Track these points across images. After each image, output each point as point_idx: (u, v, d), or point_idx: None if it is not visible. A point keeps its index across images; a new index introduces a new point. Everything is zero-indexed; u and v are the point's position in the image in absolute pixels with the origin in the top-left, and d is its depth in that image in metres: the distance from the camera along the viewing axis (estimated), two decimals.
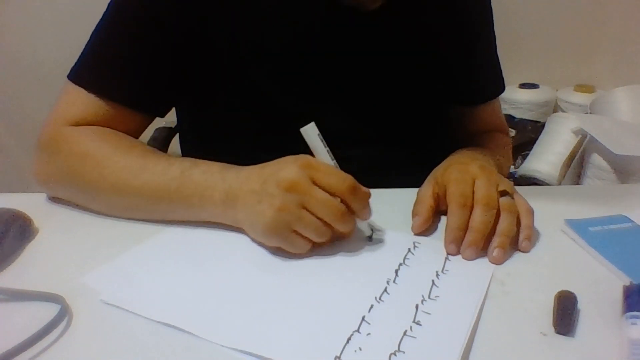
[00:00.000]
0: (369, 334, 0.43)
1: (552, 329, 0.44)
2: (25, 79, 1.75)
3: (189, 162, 0.59)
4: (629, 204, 0.64)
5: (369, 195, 0.54)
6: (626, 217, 0.61)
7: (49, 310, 0.44)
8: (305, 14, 0.67)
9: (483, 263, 0.54)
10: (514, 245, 0.56)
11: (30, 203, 0.60)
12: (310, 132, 0.53)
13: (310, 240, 0.52)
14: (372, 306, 0.46)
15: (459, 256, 0.54)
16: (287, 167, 0.52)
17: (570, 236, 0.58)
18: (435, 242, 0.56)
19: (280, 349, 0.41)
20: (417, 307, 0.46)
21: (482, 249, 0.54)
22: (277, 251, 0.53)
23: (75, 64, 0.66)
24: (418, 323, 0.44)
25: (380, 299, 0.47)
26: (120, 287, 0.49)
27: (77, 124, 0.64)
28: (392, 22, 0.70)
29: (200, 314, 0.45)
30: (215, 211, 0.56)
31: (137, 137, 0.69)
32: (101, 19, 0.66)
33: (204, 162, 0.58)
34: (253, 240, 0.55)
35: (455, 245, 0.55)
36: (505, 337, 0.43)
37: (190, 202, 0.56)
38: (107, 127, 0.64)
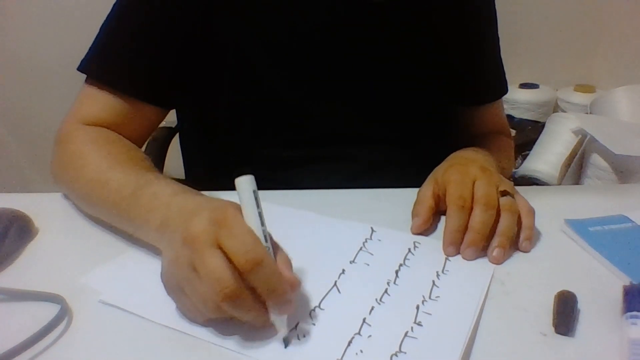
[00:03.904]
0: (370, 336, 0.43)
1: (552, 329, 0.44)
2: (25, 79, 1.75)
3: (144, 180, 0.54)
4: (629, 204, 0.64)
5: (294, 284, 0.42)
6: (626, 217, 0.61)
7: (49, 310, 0.44)
8: (312, 9, 0.67)
9: (483, 263, 0.54)
10: (514, 245, 0.56)
11: (30, 203, 0.61)
12: (244, 186, 0.43)
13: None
14: (372, 308, 0.46)
15: (459, 256, 0.54)
16: (199, 215, 0.42)
17: (570, 236, 0.58)
18: (436, 242, 0.56)
19: (281, 352, 0.41)
20: (417, 307, 0.46)
21: (482, 249, 0.54)
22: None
23: (86, 56, 0.66)
24: (419, 324, 0.44)
25: (380, 300, 0.47)
26: (120, 287, 0.49)
27: (90, 122, 0.65)
28: (397, 19, 0.70)
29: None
30: (152, 237, 0.51)
31: (150, 132, 0.70)
32: (110, 12, 0.66)
33: (158, 183, 0.53)
34: None
35: (454, 247, 0.54)
36: (505, 337, 0.44)
37: (135, 224, 0.53)
38: (120, 125, 0.65)
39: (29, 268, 0.53)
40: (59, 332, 0.43)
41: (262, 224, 0.43)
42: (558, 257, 0.55)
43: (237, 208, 0.43)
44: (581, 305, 0.47)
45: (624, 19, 1.83)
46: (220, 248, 0.40)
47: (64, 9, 1.67)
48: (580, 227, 0.58)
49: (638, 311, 0.43)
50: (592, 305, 0.47)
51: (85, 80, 0.66)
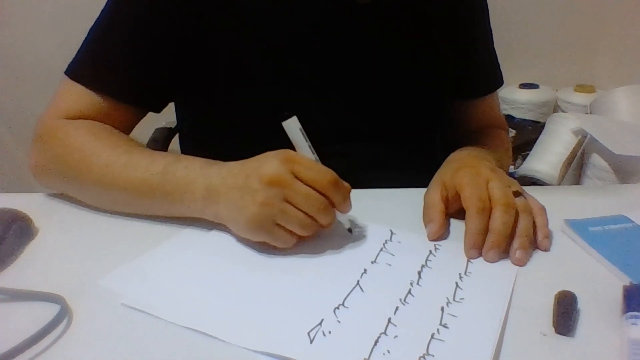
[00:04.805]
0: (396, 336, 0.42)
1: (552, 329, 0.44)
2: (25, 79, 1.75)
3: (172, 157, 0.59)
4: (629, 204, 0.64)
5: (350, 189, 0.54)
6: (626, 217, 0.61)
7: (49, 310, 0.44)
8: (304, 10, 0.67)
9: (506, 264, 0.53)
10: (532, 245, 0.55)
11: (30, 203, 0.61)
12: (292, 126, 0.53)
13: (294, 234, 0.52)
14: (397, 308, 0.46)
15: (481, 258, 0.54)
16: (268, 162, 0.52)
17: (570, 236, 0.58)
18: (456, 244, 0.56)
19: (307, 351, 0.41)
20: (442, 309, 0.46)
21: (504, 251, 0.54)
22: (263, 247, 0.53)
23: (73, 59, 0.66)
24: (445, 326, 0.44)
25: (405, 300, 0.47)
26: (141, 290, 0.48)
27: (72, 117, 0.64)
28: (388, 16, 0.70)
29: (228, 318, 0.45)
30: (195, 207, 0.56)
31: (130, 130, 0.70)
32: (99, 15, 0.66)
33: (186, 158, 0.58)
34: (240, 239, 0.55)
35: (476, 250, 0.54)
36: (505, 337, 0.43)
37: (172, 198, 0.56)
38: (102, 120, 0.65)
39: (29, 268, 0.53)
40: (59, 332, 0.43)
41: (313, 152, 0.54)
42: (558, 257, 0.55)
43: (286, 150, 0.53)
44: (581, 305, 0.46)
45: (624, 19, 1.83)
46: (299, 179, 0.51)
47: (64, 9, 1.67)
48: (580, 227, 0.58)
49: (638, 311, 0.43)
50: (592, 305, 0.47)
51: (66, 76, 0.66)
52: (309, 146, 0.54)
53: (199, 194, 0.55)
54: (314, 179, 0.51)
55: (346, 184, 0.54)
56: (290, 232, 0.52)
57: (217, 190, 0.54)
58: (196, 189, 0.55)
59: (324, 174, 0.52)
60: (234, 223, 0.54)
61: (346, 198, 0.54)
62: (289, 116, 0.53)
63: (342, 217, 0.56)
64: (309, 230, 0.52)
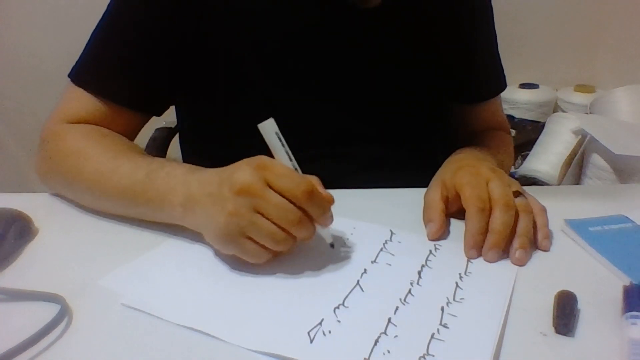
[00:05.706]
0: (396, 336, 0.42)
1: (552, 329, 0.44)
2: (25, 79, 1.75)
3: (156, 164, 0.57)
4: (629, 204, 0.64)
5: (330, 200, 0.50)
6: (626, 217, 0.61)
7: (49, 310, 0.44)
8: (304, 11, 0.67)
9: (506, 265, 0.53)
10: (532, 245, 0.55)
11: (30, 203, 0.61)
12: (268, 130, 0.49)
13: (268, 249, 0.48)
14: (397, 308, 0.46)
15: (481, 258, 0.54)
16: (241, 169, 0.48)
17: (570, 236, 0.58)
18: (456, 244, 0.55)
19: (307, 351, 0.41)
20: (442, 309, 0.46)
21: (504, 251, 0.54)
22: (236, 261, 0.50)
23: (76, 64, 0.67)
24: (445, 326, 0.44)
25: (405, 300, 0.47)
26: (141, 290, 0.48)
27: (75, 122, 0.65)
28: (391, 19, 0.70)
29: (228, 318, 0.45)
30: (175, 215, 0.54)
31: (135, 135, 0.70)
32: (100, 20, 0.66)
33: (170, 164, 0.56)
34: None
35: (476, 250, 0.54)
36: (505, 337, 0.43)
37: (153, 206, 0.55)
38: (105, 125, 0.65)
39: (29, 268, 0.53)
40: (59, 332, 0.43)
41: (291, 159, 0.49)
42: (558, 257, 0.55)
43: (261, 156, 0.49)
44: (581, 305, 0.46)
45: (624, 19, 1.83)
46: (272, 188, 0.46)
47: (64, 9, 1.67)
48: (580, 227, 0.58)
49: (638, 311, 0.43)
50: (592, 305, 0.47)
51: (70, 82, 0.66)
52: (287, 152, 0.49)
53: (177, 202, 0.53)
54: (287, 188, 0.47)
55: (326, 195, 0.50)
56: (263, 245, 0.48)
57: (194, 199, 0.51)
58: (175, 196, 0.53)
59: (298, 184, 0.47)
60: (206, 232, 0.51)
61: (325, 210, 0.49)
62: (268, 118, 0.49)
63: (323, 231, 0.51)
64: (282, 245, 0.48)
